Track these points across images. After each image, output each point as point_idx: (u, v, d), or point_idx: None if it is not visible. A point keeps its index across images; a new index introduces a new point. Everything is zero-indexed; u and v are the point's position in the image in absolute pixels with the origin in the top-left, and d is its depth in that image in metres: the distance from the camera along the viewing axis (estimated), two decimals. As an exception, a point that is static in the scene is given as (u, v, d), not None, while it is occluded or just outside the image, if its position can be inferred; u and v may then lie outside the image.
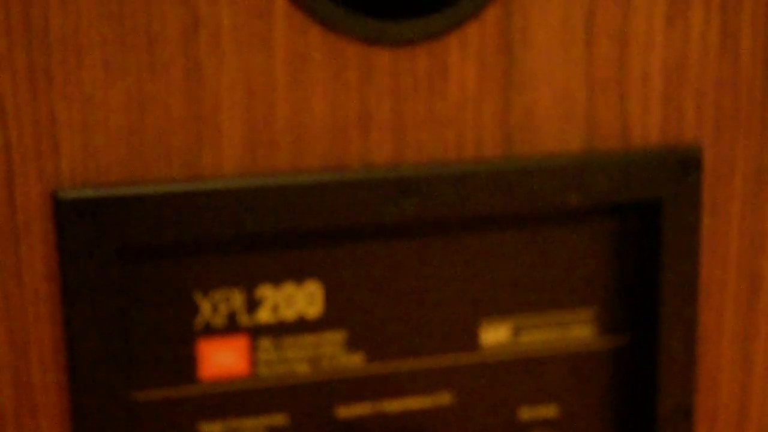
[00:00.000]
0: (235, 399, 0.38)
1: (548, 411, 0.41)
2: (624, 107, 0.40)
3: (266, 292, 0.38)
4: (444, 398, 0.40)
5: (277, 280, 0.38)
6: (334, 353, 0.39)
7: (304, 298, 0.39)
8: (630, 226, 0.41)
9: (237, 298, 0.38)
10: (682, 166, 0.40)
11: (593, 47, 0.39)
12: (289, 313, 0.38)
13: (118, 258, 0.36)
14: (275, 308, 0.38)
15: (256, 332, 0.38)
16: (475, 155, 0.38)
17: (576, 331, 0.41)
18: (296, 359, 0.39)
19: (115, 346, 0.36)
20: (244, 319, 0.38)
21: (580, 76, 0.39)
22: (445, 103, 0.38)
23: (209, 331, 0.38)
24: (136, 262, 0.37)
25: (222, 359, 0.38)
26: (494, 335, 0.40)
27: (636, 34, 0.39)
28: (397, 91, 0.37)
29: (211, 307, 0.38)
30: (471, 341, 0.40)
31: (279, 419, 0.39)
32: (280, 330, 0.38)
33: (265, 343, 0.38)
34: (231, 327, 0.38)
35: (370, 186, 0.37)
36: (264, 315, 0.38)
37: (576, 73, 0.39)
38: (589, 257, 0.41)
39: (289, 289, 0.38)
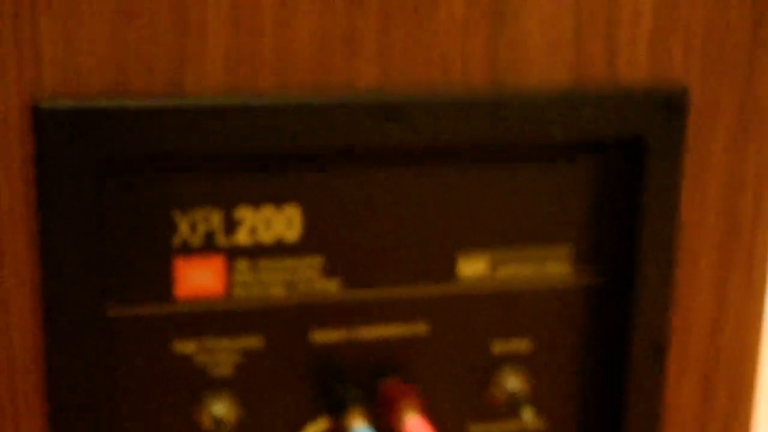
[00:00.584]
0: (211, 319, 0.38)
1: (521, 345, 0.41)
2: (612, 44, 0.39)
3: (245, 214, 0.38)
4: (419, 328, 0.40)
5: (256, 202, 0.38)
6: (311, 278, 0.39)
7: (282, 222, 0.38)
8: (612, 163, 0.41)
9: (215, 218, 0.38)
10: (668, 106, 0.40)
11: (584, -19, 0.39)
12: (266, 236, 0.38)
13: (97, 171, 0.36)
14: (253, 230, 0.38)
15: (233, 253, 0.38)
16: (462, 83, 0.38)
17: (553, 267, 0.41)
18: (272, 282, 0.39)
19: (91, 261, 0.36)
20: (221, 239, 0.38)
21: (569, 8, 0.38)
22: (433, 28, 0.37)
23: (186, 250, 0.38)
24: (116, 177, 0.36)
25: (198, 279, 0.38)
26: (472, 267, 0.40)
27: (627, -30, 0.39)
28: (384, 15, 0.37)
29: (189, 225, 0.38)
30: (448, 272, 0.40)
31: (254, 341, 0.39)
32: (258, 252, 0.38)
33: (242, 264, 0.38)
34: (208, 247, 0.38)
35: (354, 110, 0.37)
36: (242, 236, 0.38)
37: (565, 5, 0.38)
38: (570, 194, 0.40)
39: (267, 211, 0.38)
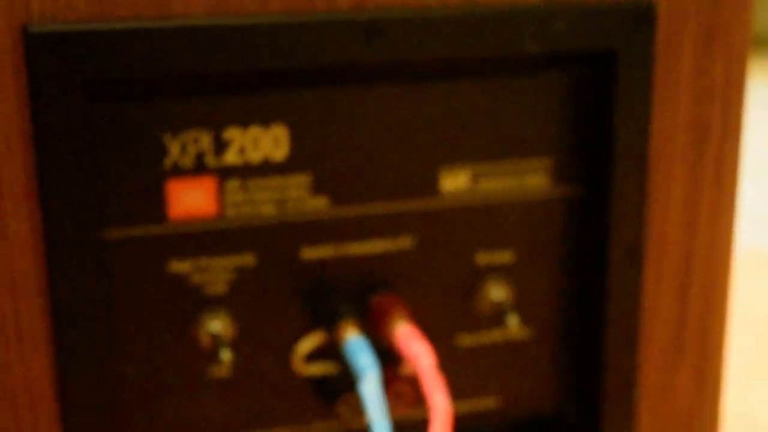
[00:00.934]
0: (204, 239, 0.40)
1: (504, 256, 0.43)
2: (581, -39, 0.41)
3: (233, 135, 0.39)
4: (405, 242, 0.42)
5: (244, 122, 0.39)
6: (300, 196, 0.40)
7: (270, 141, 0.40)
8: (585, 76, 0.42)
9: (205, 140, 0.39)
10: (637, 19, 0.41)
11: None
12: (255, 156, 0.39)
13: (87, 95, 0.37)
14: (242, 150, 0.39)
15: (223, 173, 0.39)
16: (439, 1, 0.39)
17: (532, 179, 0.43)
18: (263, 201, 0.40)
19: (85, 184, 0.37)
20: (211, 160, 0.39)
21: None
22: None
23: (178, 171, 0.39)
24: (106, 101, 0.37)
25: (190, 199, 0.39)
26: (453, 182, 0.42)
27: None
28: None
29: (179, 148, 0.39)
30: (431, 187, 0.41)
31: (246, 259, 0.40)
32: (247, 172, 0.39)
33: (233, 184, 0.39)
34: (199, 168, 0.39)
35: (336, 28, 0.38)
36: (231, 157, 0.39)
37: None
38: (545, 107, 0.42)
39: (255, 131, 0.39)
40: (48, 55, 0.36)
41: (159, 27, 0.36)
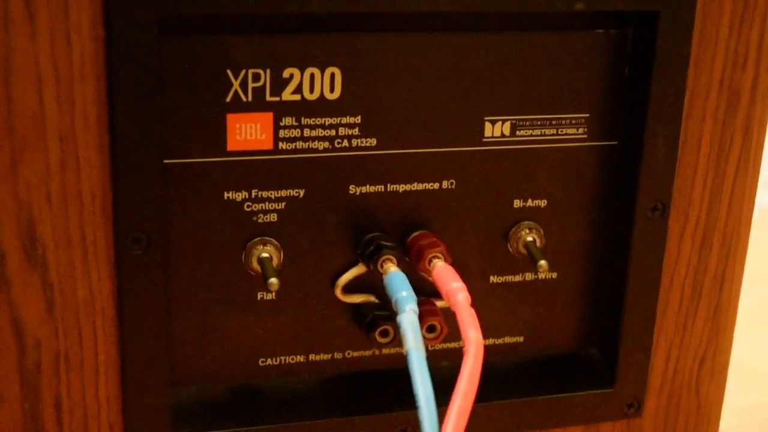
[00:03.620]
0: (258, 171, 0.42)
1: (538, 202, 0.45)
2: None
3: (291, 74, 0.41)
4: (446, 185, 0.44)
5: (302, 64, 0.41)
6: (350, 135, 0.43)
7: (325, 83, 0.42)
8: (627, 35, 0.44)
9: (265, 77, 0.41)
10: (680, -17, 0.43)
11: None
12: (311, 95, 0.42)
13: (158, 30, 0.39)
14: (299, 89, 0.42)
15: (280, 110, 0.42)
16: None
17: (569, 132, 0.45)
18: (315, 138, 0.42)
19: (152, 113, 0.39)
20: (270, 97, 0.41)
21: None
22: None
23: (238, 106, 0.41)
24: (175, 35, 0.39)
25: (248, 133, 0.42)
26: (495, 131, 0.44)
27: None
28: None
29: (241, 83, 0.41)
30: (474, 135, 0.44)
31: (297, 192, 0.43)
32: (302, 110, 0.42)
33: (288, 120, 0.42)
34: (258, 104, 0.41)
35: (395, -22, 0.40)
36: (288, 95, 0.41)
37: None
38: (586, 63, 0.44)
39: (312, 72, 0.41)
40: (124, -9, 0.38)
41: (229, -31, 0.39)
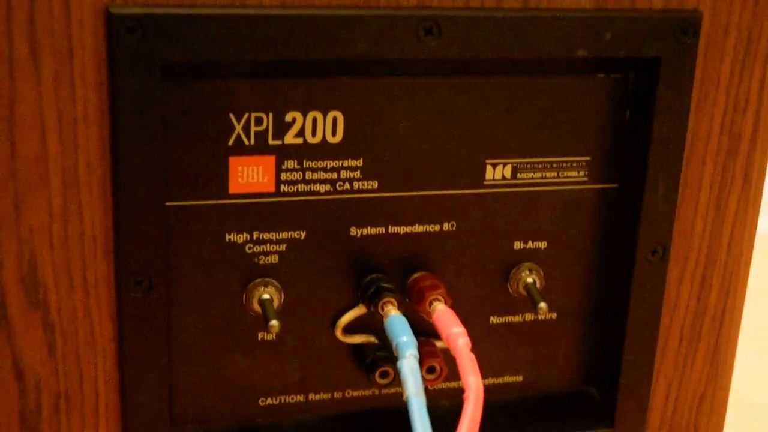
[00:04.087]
0: (261, 213, 0.42)
1: (539, 244, 0.45)
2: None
3: (294, 118, 0.41)
4: (447, 227, 0.44)
5: (304, 107, 0.41)
6: (352, 178, 0.43)
7: (327, 126, 0.42)
8: (628, 81, 0.44)
9: (267, 121, 0.41)
10: (683, 29, 0.43)
11: None
12: (313, 139, 0.42)
13: (162, 74, 0.39)
14: (301, 133, 0.42)
15: (282, 154, 0.42)
16: (495, 3, 0.41)
17: (570, 174, 0.45)
18: (317, 181, 0.42)
19: (155, 156, 0.40)
20: (272, 140, 0.41)
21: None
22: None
23: (240, 149, 0.41)
24: (179, 80, 0.40)
25: (250, 176, 0.42)
26: (496, 174, 0.44)
27: None
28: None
29: (243, 127, 0.41)
30: (475, 178, 0.44)
31: (298, 234, 0.43)
32: (304, 153, 0.42)
33: (290, 163, 0.42)
34: (260, 147, 0.41)
35: (397, 23, 0.40)
36: (290, 138, 0.42)
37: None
38: (588, 108, 0.44)
39: (314, 116, 0.42)
40: (128, 35, 0.38)
41: (233, 14, 0.39)
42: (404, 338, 0.41)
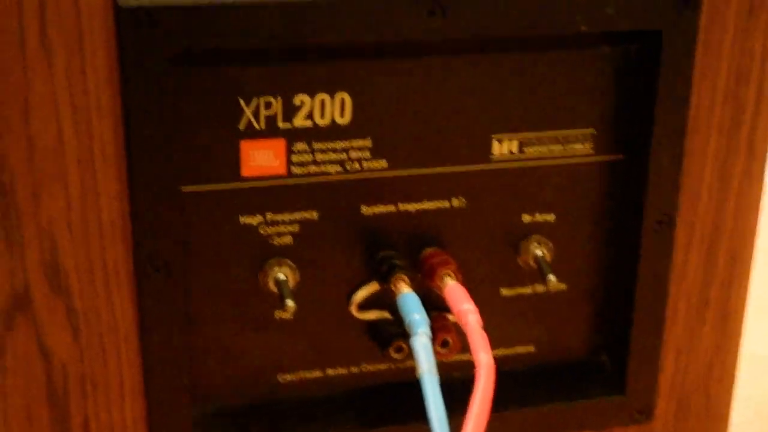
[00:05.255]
0: (272, 195, 0.43)
1: (547, 217, 0.46)
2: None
3: (302, 101, 0.42)
4: (456, 202, 0.45)
5: (312, 90, 0.42)
6: (361, 158, 0.44)
7: (335, 108, 0.43)
8: (630, 54, 0.45)
9: (276, 105, 0.42)
10: (684, 1, 0.44)
11: None
12: (321, 121, 0.43)
13: (172, 64, 0.40)
14: (310, 115, 0.43)
15: (292, 136, 0.43)
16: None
17: (576, 147, 0.46)
18: (327, 161, 0.43)
19: (168, 143, 0.41)
20: (282, 124, 0.42)
21: None
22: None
23: (251, 133, 0.42)
24: (188, 68, 0.40)
25: (261, 159, 0.43)
26: (503, 149, 0.45)
27: None
28: None
29: (253, 112, 0.42)
30: (483, 153, 0.45)
31: (310, 214, 0.44)
32: (314, 136, 0.43)
33: (300, 145, 0.43)
34: (270, 131, 0.42)
35: (401, 4, 0.41)
36: (299, 121, 0.43)
37: None
38: (592, 81, 0.45)
39: (322, 98, 0.42)
40: (137, 28, 0.39)
41: (239, 2, 0.39)
42: (416, 316, 0.42)
